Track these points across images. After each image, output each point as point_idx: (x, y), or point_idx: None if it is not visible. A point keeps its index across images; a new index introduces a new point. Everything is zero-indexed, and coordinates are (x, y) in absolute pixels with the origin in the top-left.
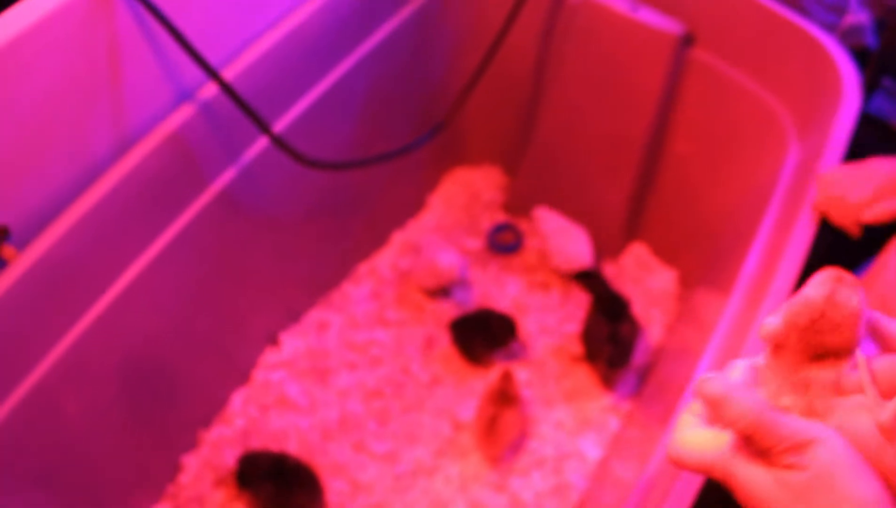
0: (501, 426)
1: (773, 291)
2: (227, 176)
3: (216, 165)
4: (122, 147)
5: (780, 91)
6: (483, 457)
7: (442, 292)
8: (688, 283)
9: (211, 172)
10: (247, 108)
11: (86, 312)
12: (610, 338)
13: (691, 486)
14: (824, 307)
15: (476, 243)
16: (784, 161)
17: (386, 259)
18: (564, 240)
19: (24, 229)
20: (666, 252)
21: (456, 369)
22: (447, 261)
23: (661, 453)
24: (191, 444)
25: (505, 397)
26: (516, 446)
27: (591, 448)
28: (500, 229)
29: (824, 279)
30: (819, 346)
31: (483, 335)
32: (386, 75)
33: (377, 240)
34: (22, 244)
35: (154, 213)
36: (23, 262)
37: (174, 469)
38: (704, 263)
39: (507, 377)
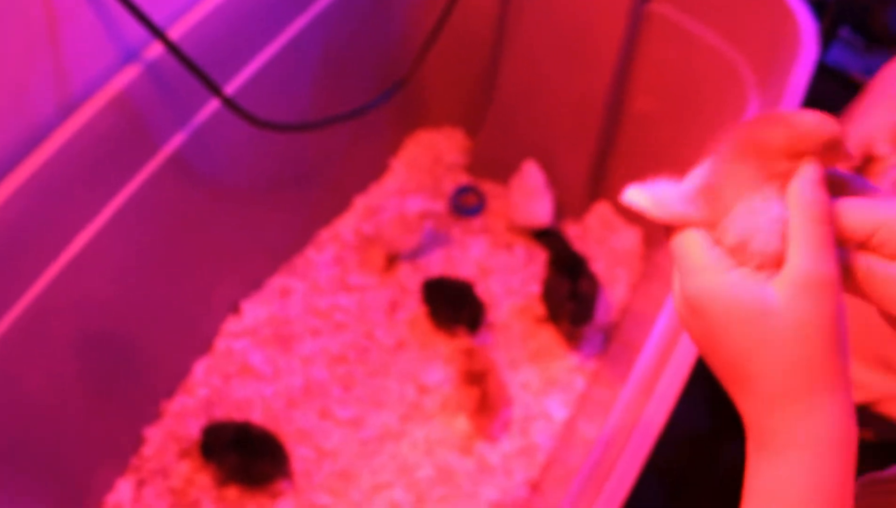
0: (491, 400)
1: None
2: (178, 139)
3: (166, 127)
4: (66, 109)
5: (738, 43)
6: (477, 433)
7: (409, 253)
8: (652, 242)
9: (161, 135)
10: (195, 68)
11: (37, 279)
12: (570, 296)
13: (647, 438)
14: (810, 129)
15: (439, 206)
16: (743, 114)
17: (349, 224)
18: (528, 198)
19: None
20: (630, 211)
21: (420, 333)
22: (416, 210)
23: (620, 407)
24: (153, 416)
25: (479, 373)
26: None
27: (558, 409)
28: (462, 191)
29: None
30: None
31: (453, 308)
32: (342, 34)
33: (339, 205)
34: None
35: (102, 177)
36: None
37: (137, 442)
38: None
39: (471, 354)
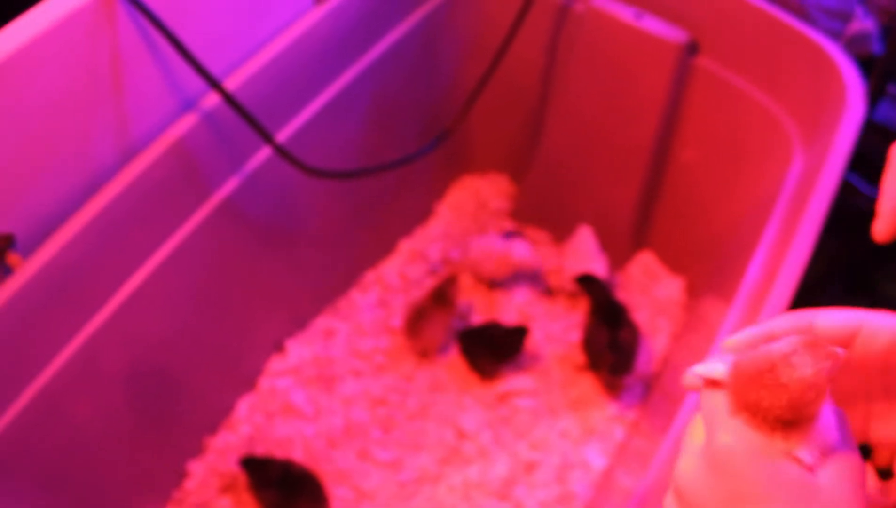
0: (427, 323)
1: (771, 300)
2: (231, 185)
3: (219, 174)
4: (126, 156)
5: (784, 99)
6: (410, 351)
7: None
8: (695, 291)
9: (214, 181)
10: (249, 118)
11: (91, 319)
12: (610, 345)
13: None
14: (776, 362)
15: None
16: (788, 169)
17: (393, 267)
18: (582, 262)
19: (29, 237)
20: (673, 261)
21: (460, 377)
22: (521, 252)
23: (661, 458)
24: (197, 450)
25: (442, 297)
26: (445, 351)
27: (596, 458)
28: (506, 236)
29: (796, 340)
30: (756, 406)
31: (489, 349)
32: (391, 83)
33: (384, 248)
34: (27, 252)
35: (157, 221)
36: (28, 269)
37: (180, 475)
38: (710, 271)
39: (451, 281)
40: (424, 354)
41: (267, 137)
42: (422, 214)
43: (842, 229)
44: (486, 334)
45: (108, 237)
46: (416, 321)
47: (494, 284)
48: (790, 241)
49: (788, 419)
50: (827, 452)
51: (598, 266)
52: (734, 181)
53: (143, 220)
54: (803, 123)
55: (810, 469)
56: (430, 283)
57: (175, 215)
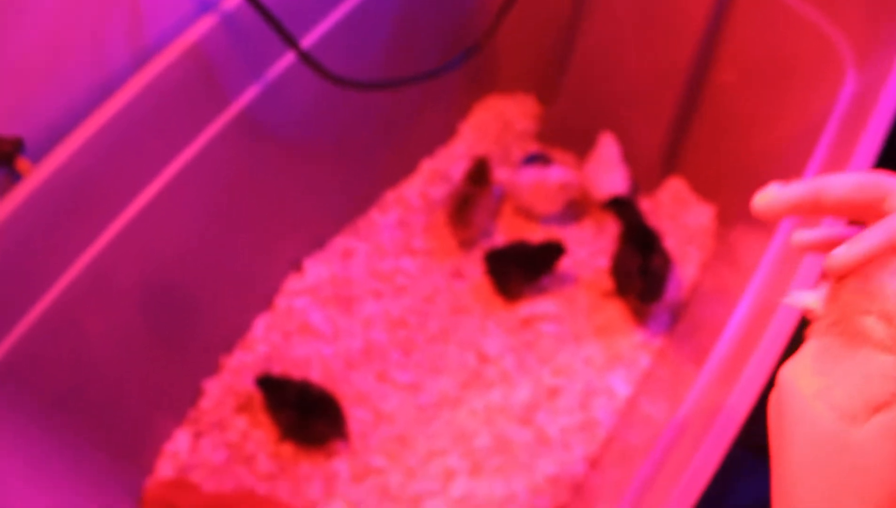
0: (473, 208)
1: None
2: (251, 93)
3: (239, 81)
4: (140, 59)
5: (837, 16)
6: (451, 238)
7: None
8: (726, 220)
9: (234, 88)
10: (272, 19)
11: (103, 230)
12: (641, 271)
13: (727, 431)
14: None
15: (507, 174)
16: (839, 93)
17: (414, 187)
18: (603, 169)
19: (38, 142)
20: (704, 187)
21: (482, 300)
22: (560, 177)
23: (695, 394)
24: (212, 369)
25: (481, 177)
26: (487, 233)
27: (621, 385)
28: (532, 158)
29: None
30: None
31: (520, 267)
32: None
33: (406, 167)
34: (37, 157)
35: (173, 129)
36: (37, 175)
37: (196, 394)
38: (746, 199)
39: (484, 161)
40: (468, 243)
41: (291, 42)
42: (445, 133)
43: None
44: (516, 251)
45: (121, 145)
46: (462, 208)
47: (545, 220)
48: (843, 170)
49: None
50: (877, 406)
51: (619, 175)
52: (777, 105)
53: (157, 127)
54: (857, 42)
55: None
56: (449, 202)
57: (192, 124)
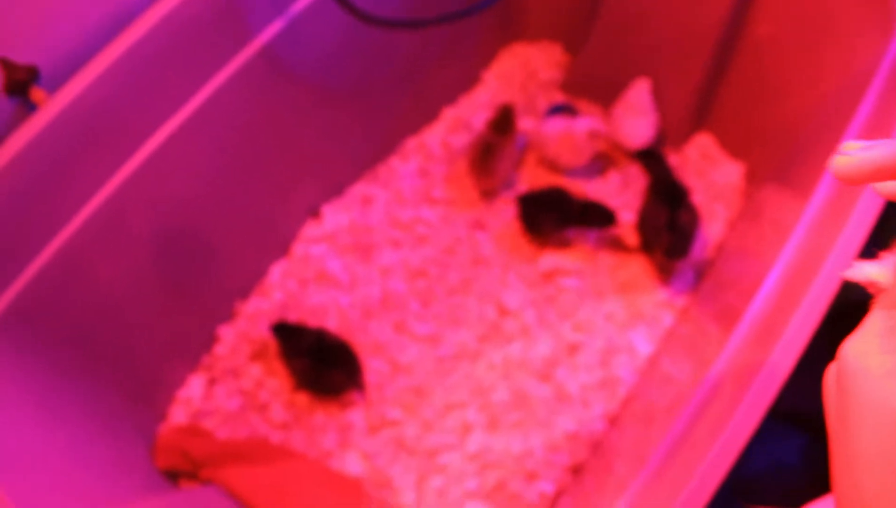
0: (496, 157)
1: (863, 200)
2: (274, 28)
3: (262, 14)
4: None
5: None
6: (472, 188)
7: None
8: (756, 178)
9: (256, 22)
10: None
11: (120, 166)
12: (668, 225)
13: (764, 396)
14: None
15: (531, 125)
16: (887, 48)
17: (436, 135)
18: (633, 116)
19: (54, 71)
20: (734, 144)
21: (502, 253)
22: (588, 127)
23: (727, 355)
24: (227, 315)
25: (505, 126)
26: (509, 183)
27: (642, 343)
28: (557, 109)
29: None
30: None
31: (553, 213)
32: None
33: (427, 115)
34: (52, 88)
35: (193, 63)
36: (53, 106)
37: (210, 340)
38: (777, 158)
39: (510, 109)
40: (491, 193)
41: None
42: (467, 81)
43: None
44: (552, 198)
45: (139, 78)
46: (485, 156)
47: (570, 172)
48: (887, 132)
49: None
50: None
51: (649, 123)
52: (817, 60)
53: (177, 61)
54: None
55: None
56: (471, 151)
57: (212, 59)
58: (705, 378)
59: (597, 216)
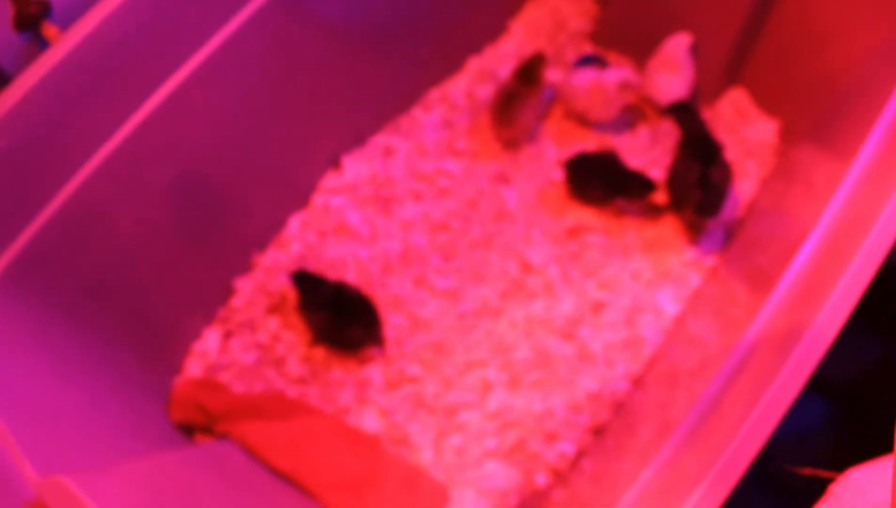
0: (518, 107)
1: None
2: None
3: None
4: None
5: None
6: (495, 140)
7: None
8: (790, 136)
9: None
10: None
11: (134, 110)
12: (699, 182)
13: (807, 364)
14: None
15: (559, 76)
16: None
17: (460, 86)
18: (669, 70)
19: (67, 6)
20: (769, 101)
21: (526, 207)
22: (619, 79)
23: (762, 320)
24: (244, 267)
25: (530, 76)
26: (531, 135)
27: (669, 303)
28: (586, 60)
29: None
30: None
31: (603, 179)
32: None
33: (451, 65)
34: (65, 24)
35: (210, 2)
36: (66, 43)
37: (227, 292)
38: (815, 116)
39: (539, 59)
40: (512, 143)
41: None
42: (494, 30)
43: None
44: (603, 163)
45: (153, 16)
46: (507, 105)
47: (599, 126)
48: None
49: None
50: None
51: (685, 78)
52: (861, 13)
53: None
54: None
55: None
56: (494, 101)
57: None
58: (738, 343)
59: (636, 185)
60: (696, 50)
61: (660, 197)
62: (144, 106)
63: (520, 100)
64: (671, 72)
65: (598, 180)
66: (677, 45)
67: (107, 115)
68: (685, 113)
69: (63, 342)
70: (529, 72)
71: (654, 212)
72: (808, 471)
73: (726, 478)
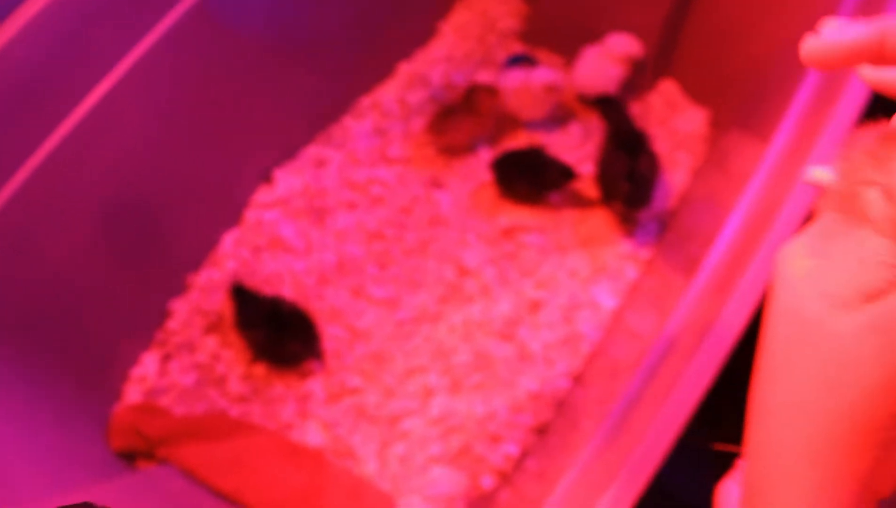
0: (453, 121)
1: (819, 145)
2: None
3: None
4: None
5: None
6: (429, 145)
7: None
8: (720, 125)
9: None
10: None
11: (51, 130)
12: (627, 174)
13: (720, 348)
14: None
15: (489, 76)
16: None
17: (391, 92)
18: (601, 63)
19: None
20: (698, 91)
21: (461, 211)
22: (546, 79)
23: (685, 306)
24: (179, 288)
25: (470, 105)
26: (472, 151)
27: (606, 297)
28: (515, 60)
29: None
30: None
31: (532, 176)
32: None
33: (381, 71)
34: None
35: (123, 17)
36: None
37: (163, 315)
38: (742, 103)
39: (488, 91)
40: (449, 151)
41: None
42: (423, 34)
43: None
44: (528, 160)
45: (66, 31)
46: (444, 117)
47: (530, 125)
48: (846, 78)
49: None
50: (869, 294)
51: (612, 74)
52: (781, 4)
53: (104, 15)
54: None
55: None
56: (430, 110)
57: (149, 12)
58: (663, 332)
59: (556, 174)
60: (628, 46)
61: (590, 191)
62: (61, 126)
63: (454, 117)
64: (600, 68)
65: (523, 176)
66: (616, 42)
67: (22, 137)
68: (609, 106)
69: None
70: (471, 101)
71: (584, 204)
72: (720, 446)
73: (643, 468)
